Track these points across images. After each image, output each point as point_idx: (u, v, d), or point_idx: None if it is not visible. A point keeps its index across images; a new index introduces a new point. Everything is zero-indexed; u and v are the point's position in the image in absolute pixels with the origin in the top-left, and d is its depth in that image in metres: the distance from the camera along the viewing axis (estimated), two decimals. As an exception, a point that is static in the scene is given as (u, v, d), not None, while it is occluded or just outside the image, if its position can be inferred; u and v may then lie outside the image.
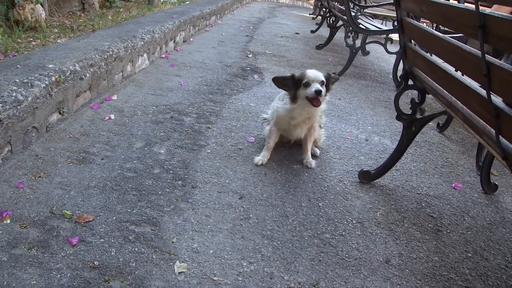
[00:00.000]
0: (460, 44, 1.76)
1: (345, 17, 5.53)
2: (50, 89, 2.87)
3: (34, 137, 2.76)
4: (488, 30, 1.44)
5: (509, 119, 1.43)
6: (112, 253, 1.93)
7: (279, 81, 2.83)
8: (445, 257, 2.25)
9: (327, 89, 2.84)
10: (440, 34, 2.03)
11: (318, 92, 2.68)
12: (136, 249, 1.98)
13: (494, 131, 1.55)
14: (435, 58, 2.22)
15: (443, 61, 2.12)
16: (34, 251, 1.88)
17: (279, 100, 3.03)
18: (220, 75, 4.91)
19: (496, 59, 1.46)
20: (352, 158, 3.21)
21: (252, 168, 2.85)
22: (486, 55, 1.47)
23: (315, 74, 2.77)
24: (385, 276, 2.04)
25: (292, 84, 2.81)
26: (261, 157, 2.95)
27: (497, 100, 1.52)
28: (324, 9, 8.87)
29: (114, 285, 1.76)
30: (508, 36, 1.35)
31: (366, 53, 6.20)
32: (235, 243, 2.11)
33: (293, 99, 2.83)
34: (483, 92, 1.57)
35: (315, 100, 2.73)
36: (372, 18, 7.54)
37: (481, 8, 1.46)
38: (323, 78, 2.77)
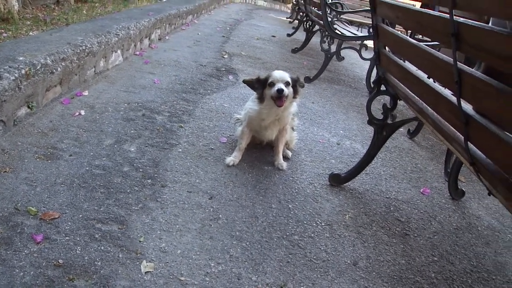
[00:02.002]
0: (433, 51, 1.78)
1: (322, 22, 5.57)
2: (19, 82, 2.79)
3: (1, 131, 2.68)
4: (461, 37, 1.46)
5: (478, 126, 1.45)
6: (77, 251, 1.89)
7: (249, 83, 2.91)
8: (412, 261, 2.27)
9: (295, 92, 2.86)
10: (413, 41, 2.06)
11: (280, 91, 2.70)
12: (102, 247, 1.94)
13: (463, 137, 1.58)
14: (408, 65, 2.25)
15: (416, 68, 2.15)
16: (-4, 247, 1.82)
17: (251, 101, 3.04)
18: (195, 74, 4.88)
19: (467, 67, 1.49)
20: (323, 161, 3.22)
21: (223, 169, 2.83)
22: (458, 62, 1.49)
23: (280, 75, 2.80)
24: (353, 279, 2.05)
25: (259, 85, 2.86)
26: (233, 158, 2.94)
27: (467, 107, 1.54)
28: (301, 13, 8.91)
29: (79, 284, 1.72)
30: (480, 44, 1.37)
31: (341, 58, 6.24)
32: (203, 244, 2.08)
33: (260, 99, 2.87)
34: (453, 99, 1.59)
35: (278, 100, 2.74)
36: (348, 25, 7.62)
37: (455, 16, 1.48)
38: (288, 79, 2.79)
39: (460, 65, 1.48)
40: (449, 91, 1.71)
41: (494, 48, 1.29)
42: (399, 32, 2.31)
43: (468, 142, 1.55)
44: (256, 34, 8.76)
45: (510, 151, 1.26)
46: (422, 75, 2.02)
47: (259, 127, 2.98)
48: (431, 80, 1.98)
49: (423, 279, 2.15)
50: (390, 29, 2.43)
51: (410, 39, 2.14)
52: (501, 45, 1.24)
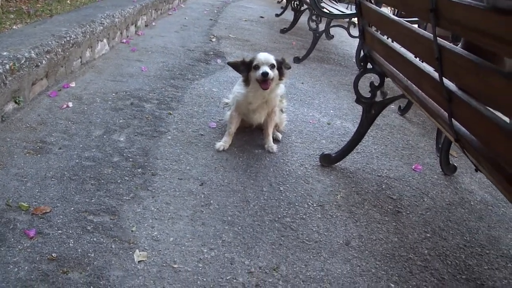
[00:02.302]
0: (414, 27, 1.77)
1: (308, 1, 5.52)
2: (4, 77, 2.77)
3: (-12, 127, 2.67)
4: (439, 13, 1.45)
5: (461, 102, 1.45)
6: (70, 244, 1.89)
7: (234, 65, 2.91)
8: (405, 238, 2.29)
9: (281, 74, 2.85)
10: (394, 17, 2.05)
11: (265, 74, 2.68)
12: (95, 239, 1.94)
13: (447, 114, 1.58)
14: (391, 43, 2.24)
15: (399, 45, 2.14)
16: (-11, 244, 1.83)
17: (238, 85, 3.03)
18: (183, 60, 4.85)
19: (447, 43, 1.48)
20: (314, 142, 3.22)
21: (214, 154, 2.83)
22: (438, 38, 1.49)
23: (265, 57, 2.78)
24: (345, 258, 2.07)
25: (244, 67, 2.85)
26: (223, 143, 2.92)
27: (449, 83, 1.54)
28: (288, -7, 8.83)
29: (73, 276, 1.73)
30: (458, 19, 1.36)
31: (330, 37, 6.23)
32: (195, 230, 2.09)
33: (246, 82, 2.87)
34: (436, 76, 1.59)
35: (263, 83, 2.74)
36: (337, 2, 7.56)
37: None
38: (273, 61, 2.78)
39: (441, 41, 1.47)
40: (432, 68, 1.71)
41: (472, 23, 1.28)
42: (379, 8, 2.30)
43: (452, 119, 1.55)
44: (244, 15, 8.69)
45: (491, 126, 1.26)
46: (405, 52, 2.01)
47: (247, 110, 2.98)
48: (414, 57, 1.98)
49: (416, 256, 2.17)
50: (372, 6, 2.41)
51: (391, 16, 2.13)
52: (479, 19, 1.23)
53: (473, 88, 1.38)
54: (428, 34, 1.62)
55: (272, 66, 2.76)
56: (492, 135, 1.29)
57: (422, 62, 1.88)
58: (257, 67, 2.75)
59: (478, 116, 1.33)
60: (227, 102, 3.32)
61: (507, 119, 1.22)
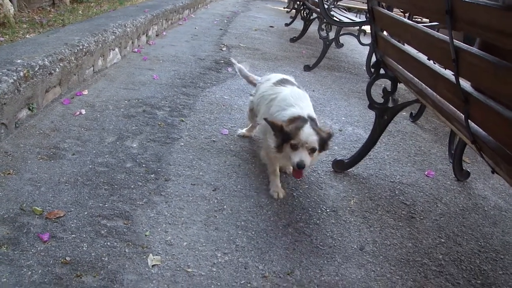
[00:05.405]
0: (429, 30, 1.77)
1: (319, 10, 5.54)
2: (18, 84, 2.80)
3: (2, 134, 2.69)
4: (455, 14, 1.45)
5: (477, 103, 1.44)
6: (84, 248, 1.90)
7: (272, 125, 2.35)
8: (419, 243, 2.27)
9: (323, 149, 2.40)
10: (409, 21, 2.05)
11: (300, 167, 2.26)
12: (109, 243, 1.94)
13: (463, 116, 1.57)
14: (405, 47, 2.23)
15: (413, 49, 2.14)
16: (4, 248, 1.83)
17: (269, 134, 2.47)
18: (194, 68, 4.87)
19: (464, 44, 1.48)
20: (326, 148, 3.21)
21: (226, 160, 2.83)
22: (454, 40, 1.48)
23: (308, 137, 2.27)
24: (360, 263, 2.05)
25: (280, 134, 2.33)
26: (275, 189, 2.53)
27: (465, 85, 1.53)
28: (298, 2, 8.86)
29: (86, 280, 1.73)
30: (474, 19, 1.35)
31: (340, 45, 6.23)
32: (209, 235, 2.09)
33: (278, 148, 2.36)
34: (452, 78, 1.58)
35: (296, 172, 2.36)
36: (346, 11, 7.58)
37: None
38: (315, 144, 2.29)
39: (457, 42, 1.47)
40: (448, 71, 1.70)
41: (488, 22, 1.28)
42: (394, 14, 2.30)
43: (469, 120, 1.54)
44: (254, 25, 8.73)
45: (510, 126, 1.25)
46: (419, 56, 2.01)
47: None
48: (428, 60, 1.97)
49: (431, 261, 2.15)
50: (386, 11, 2.41)
51: (406, 20, 2.13)
52: (495, 19, 1.23)
53: (490, 89, 1.37)
54: (444, 36, 1.62)
55: (312, 150, 2.30)
56: (509, 134, 1.28)
57: (435, 64, 1.87)
58: (295, 147, 2.28)
59: (496, 116, 1.32)
60: (243, 133, 3.24)
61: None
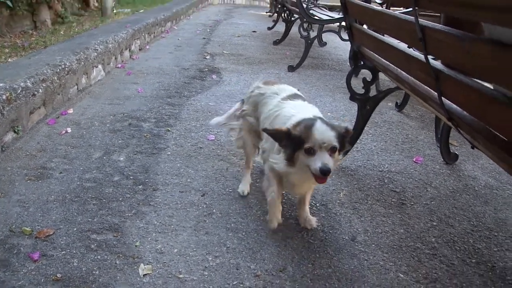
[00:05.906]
0: (395, 13, 1.78)
1: (298, 10, 5.56)
2: (1, 107, 2.79)
3: (-12, 158, 2.68)
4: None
5: (448, 79, 1.45)
6: (75, 263, 1.88)
7: (274, 136, 1.96)
8: (411, 228, 2.27)
9: (343, 147, 1.97)
10: (376, 7, 2.06)
11: (326, 172, 1.81)
12: (99, 256, 1.93)
13: (437, 94, 1.57)
14: (378, 35, 2.24)
15: (387, 37, 2.15)
16: (-6, 271, 1.82)
17: (274, 152, 2.07)
18: (178, 78, 4.87)
19: (429, 22, 1.48)
20: (314, 145, 3.21)
21: (214, 165, 2.82)
22: (419, 19, 1.49)
23: (323, 136, 1.84)
24: (352, 253, 2.04)
25: (288, 142, 1.92)
26: (273, 221, 2.11)
27: (436, 63, 1.54)
28: (279, 5, 8.90)
29: (78, 295, 1.72)
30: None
31: (323, 44, 6.26)
32: (199, 240, 2.08)
33: (289, 161, 1.94)
34: (422, 57, 1.59)
35: (319, 178, 1.86)
36: (327, 10, 7.61)
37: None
38: (335, 142, 1.86)
39: (422, 21, 1.47)
40: (417, 51, 1.71)
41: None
42: (362, 1, 2.31)
43: (442, 98, 1.54)
44: (236, 31, 8.75)
45: (479, 96, 1.25)
46: (391, 41, 2.01)
47: (287, 184, 2.15)
48: (400, 44, 1.98)
49: (424, 245, 2.14)
50: (356, 1, 2.42)
51: (374, 7, 2.14)
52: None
53: (458, 63, 1.38)
54: (409, 17, 1.62)
55: (333, 150, 1.87)
56: (481, 105, 1.28)
57: (410, 48, 1.88)
58: (311, 152, 1.85)
59: (466, 89, 1.33)
60: (247, 191, 2.54)
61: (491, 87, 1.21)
